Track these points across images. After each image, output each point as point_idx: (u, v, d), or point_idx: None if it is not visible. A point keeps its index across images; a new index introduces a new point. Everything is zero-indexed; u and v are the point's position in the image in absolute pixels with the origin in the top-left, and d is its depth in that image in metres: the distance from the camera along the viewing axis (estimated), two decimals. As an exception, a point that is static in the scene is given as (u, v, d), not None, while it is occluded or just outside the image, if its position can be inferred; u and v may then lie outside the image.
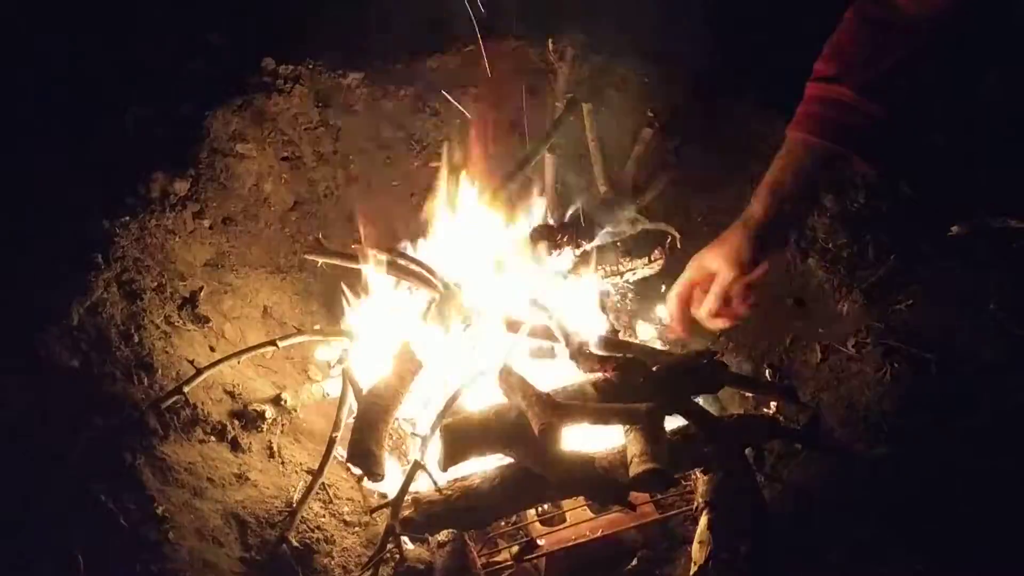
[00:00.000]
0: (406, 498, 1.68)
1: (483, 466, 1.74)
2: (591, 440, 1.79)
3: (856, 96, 1.54)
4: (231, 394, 1.97)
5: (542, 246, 2.09)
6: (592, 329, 2.02)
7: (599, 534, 1.81)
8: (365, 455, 1.75)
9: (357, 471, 1.81)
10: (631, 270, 2.28)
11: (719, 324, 1.75)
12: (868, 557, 1.57)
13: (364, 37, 2.69)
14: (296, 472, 1.91)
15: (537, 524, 1.85)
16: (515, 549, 1.80)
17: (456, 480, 1.73)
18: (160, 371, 1.88)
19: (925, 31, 1.50)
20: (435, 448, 1.70)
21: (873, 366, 1.91)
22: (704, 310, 1.71)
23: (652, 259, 2.28)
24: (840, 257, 2.15)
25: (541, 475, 1.66)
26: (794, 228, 1.75)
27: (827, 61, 1.60)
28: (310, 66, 2.57)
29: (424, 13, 2.69)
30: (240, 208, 2.37)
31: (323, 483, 1.85)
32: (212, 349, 2.06)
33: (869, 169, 1.71)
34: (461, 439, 1.66)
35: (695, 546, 1.69)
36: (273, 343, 2.00)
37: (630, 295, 2.49)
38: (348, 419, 1.89)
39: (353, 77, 2.61)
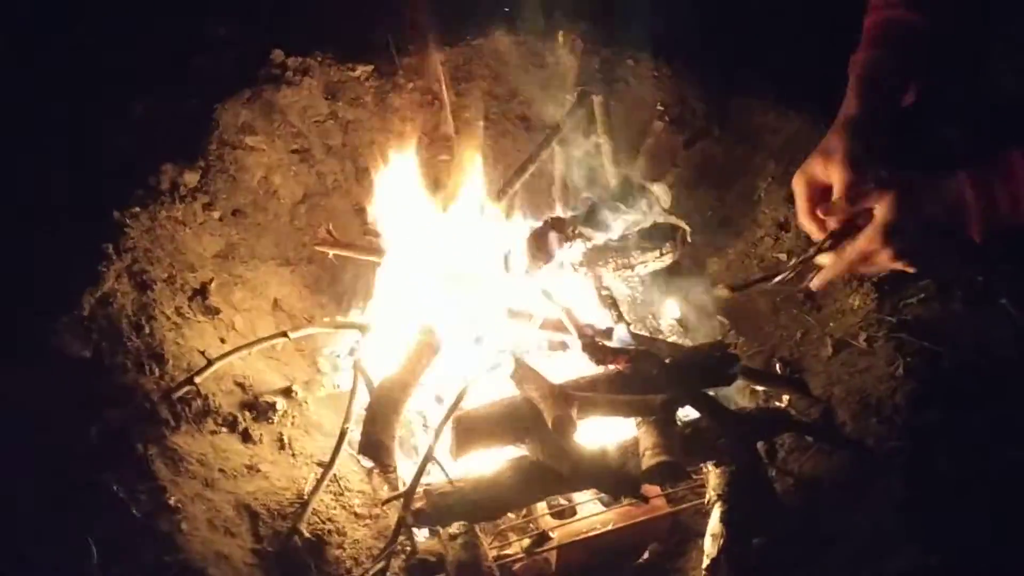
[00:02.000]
0: (418, 490, 1.67)
1: (495, 459, 1.74)
2: (603, 433, 1.79)
3: (911, 13, 1.54)
4: (242, 386, 1.97)
5: (553, 238, 2.09)
6: (604, 322, 2.02)
7: (611, 527, 1.81)
8: (376, 447, 1.75)
9: (368, 463, 1.81)
10: (642, 263, 2.27)
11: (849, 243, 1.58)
12: (881, 551, 1.57)
13: (373, 30, 2.69)
14: (307, 464, 1.91)
15: (548, 517, 1.85)
16: (526, 542, 1.80)
17: (468, 472, 1.73)
18: (171, 362, 1.88)
19: None
20: (447, 440, 1.70)
21: (885, 360, 1.90)
22: (832, 225, 1.55)
23: (663, 252, 2.28)
24: (851, 251, 2.14)
25: (553, 468, 1.66)
26: (889, 125, 1.66)
27: None
28: (319, 58, 2.57)
29: (432, 6, 2.69)
30: (249, 200, 2.37)
31: (334, 475, 1.85)
32: (223, 340, 2.05)
33: (911, 101, 1.67)
34: (473, 431, 1.66)
35: (707, 539, 1.69)
36: (284, 335, 2.01)
37: (641, 288, 2.49)
38: (359, 411, 1.89)
39: (362, 69, 2.60)
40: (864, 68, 1.60)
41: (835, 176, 1.51)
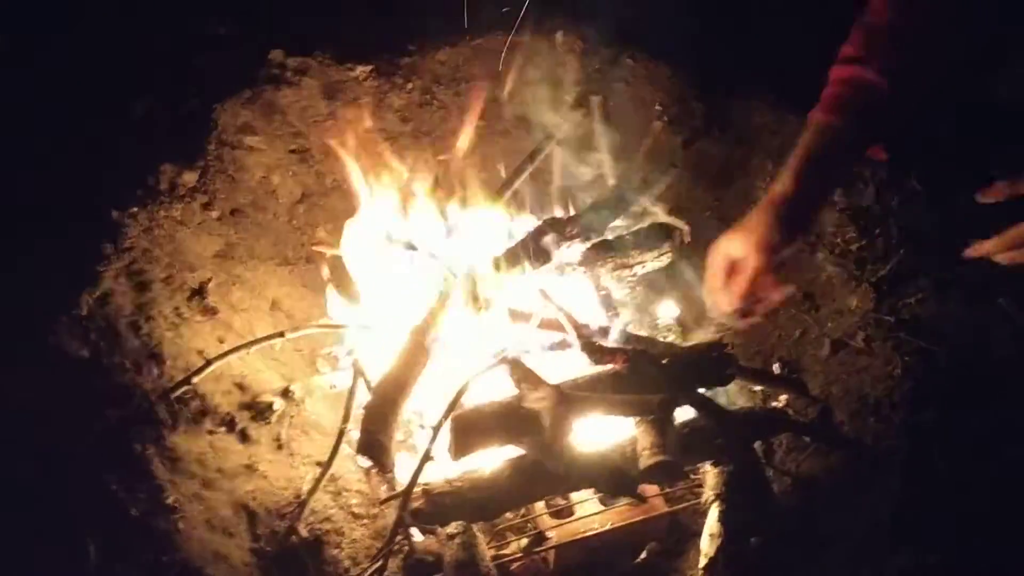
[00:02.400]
0: (416, 490, 1.67)
1: (493, 458, 1.74)
2: (601, 432, 1.79)
3: (881, 79, 1.52)
4: (240, 386, 1.98)
5: (552, 239, 2.09)
6: (602, 321, 2.02)
7: (608, 527, 1.81)
8: (374, 447, 1.75)
9: (366, 463, 1.81)
10: (640, 263, 2.27)
11: (747, 322, 1.67)
12: (879, 550, 1.57)
13: (372, 30, 2.69)
14: (305, 464, 1.92)
15: (546, 516, 1.85)
16: (524, 541, 1.81)
17: (466, 472, 1.73)
18: (169, 362, 1.88)
19: (953, 11, 1.49)
20: (445, 440, 1.70)
21: (882, 360, 1.90)
22: (731, 305, 1.62)
23: (661, 252, 2.28)
24: (849, 251, 2.14)
25: (551, 467, 1.66)
26: (821, 209, 1.65)
27: (854, 43, 1.58)
28: (318, 59, 2.57)
29: (432, 6, 2.69)
30: (248, 200, 2.37)
31: (332, 475, 1.86)
32: (221, 340, 2.05)
33: (884, 158, 1.67)
34: (471, 430, 1.66)
35: (705, 539, 1.69)
36: (282, 334, 2.01)
37: (639, 288, 2.49)
38: (358, 411, 1.89)
39: (361, 70, 2.61)
40: (816, 135, 1.57)
41: (749, 259, 1.53)
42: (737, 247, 1.58)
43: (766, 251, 1.55)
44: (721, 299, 1.64)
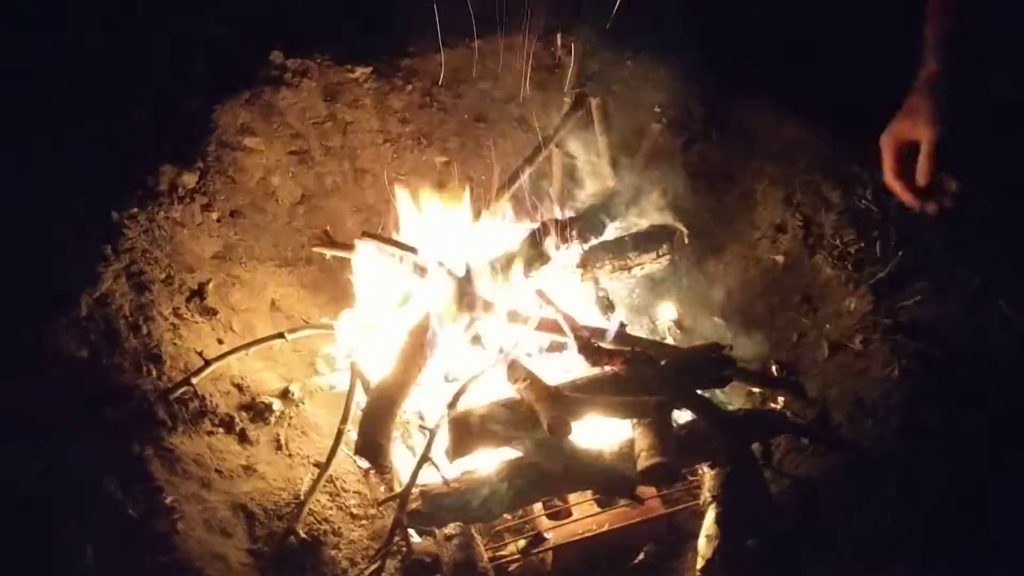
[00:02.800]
0: (413, 491, 1.68)
1: (491, 460, 1.74)
2: (599, 434, 1.79)
3: None
4: (239, 386, 1.98)
5: (551, 240, 2.09)
6: (600, 323, 2.02)
7: (606, 528, 1.81)
8: (372, 448, 1.75)
9: (364, 464, 1.81)
10: (639, 264, 2.28)
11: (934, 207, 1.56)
12: (875, 552, 1.57)
13: (372, 31, 2.70)
14: (303, 464, 1.92)
15: (544, 518, 1.85)
16: (522, 543, 1.81)
17: (464, 473, 1.73)
18: (168, 363, 1.88)
19: None
20: (443, 441, 1.70)
21: (881, 362, 1.90)
22: (923, 180, 1.53)
23: (659, 254, 2.28)
24: (848, 253, 2.14)
25: (549, 469, 1.67)
26: (975, 79, 1.66)
27: None
28: (318, 60, 2.57)
29: (432, 7, 2.69)
30: (248, 201, 2.37)
31: (330, 476, 1.86)
32: (220, 341, 2.06)
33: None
34: (469, 432, 1.67)
35: (702, 540, 1.69)
36: (281, 335, 2.01)
37: (637, 290, 2.49)
38: (356, 412, 1.89)
39: (361, 71, 2.61)
40: (935, 34, 1.58)
41: (923, 134, 1.50)
42: (908, 127, 1.54)
43: (937, 121, 1.50)
44: (904, 183, 1.60)
